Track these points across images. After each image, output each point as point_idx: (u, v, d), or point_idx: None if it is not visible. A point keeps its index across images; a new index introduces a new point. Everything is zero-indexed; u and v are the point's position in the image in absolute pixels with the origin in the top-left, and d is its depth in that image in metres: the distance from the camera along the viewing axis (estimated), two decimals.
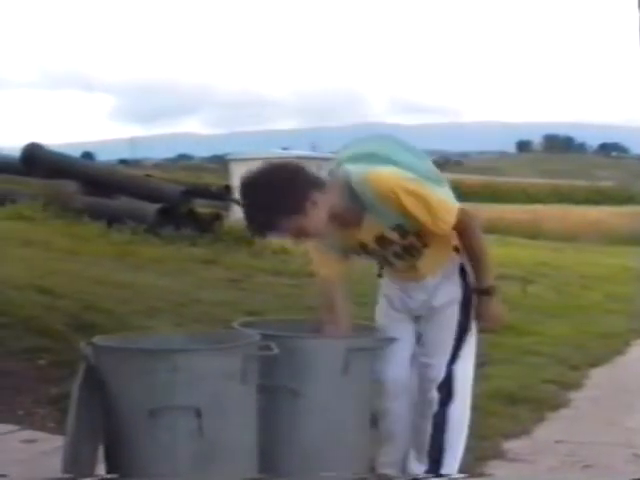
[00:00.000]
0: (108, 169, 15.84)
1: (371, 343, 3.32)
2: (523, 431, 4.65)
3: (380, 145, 3.30)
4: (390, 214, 3.14)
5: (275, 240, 11.87)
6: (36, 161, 12.57)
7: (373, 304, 3.55)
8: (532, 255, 14.99)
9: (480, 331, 3.43)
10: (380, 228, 3.20)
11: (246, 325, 3.32)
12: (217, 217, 12.42)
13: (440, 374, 3.34)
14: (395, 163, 3.22)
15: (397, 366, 3.40)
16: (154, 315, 6.44)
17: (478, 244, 3.27)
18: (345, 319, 3.39)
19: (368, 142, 3.36)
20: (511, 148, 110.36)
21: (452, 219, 3.16)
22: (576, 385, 5.82)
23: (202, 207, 13.20)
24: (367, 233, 3.22)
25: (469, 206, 3.43)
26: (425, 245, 3.27)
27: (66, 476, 2.93)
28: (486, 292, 3.29)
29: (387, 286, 3.49)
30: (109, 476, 3.01)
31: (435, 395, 3.34)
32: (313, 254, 3.43)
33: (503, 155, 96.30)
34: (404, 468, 3.42)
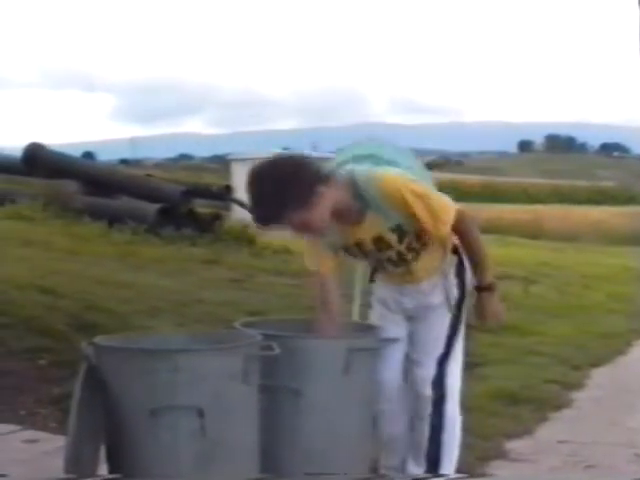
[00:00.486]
0: (109, 169, 15.84)
1: (372, 343, 3.31)
2: (525, 431, 4.65)
3: (378, 147, 3.34)
4: (392, 214, 3.16)
5: (276, 240, 11.88)
6: (37, 161, 12.56)
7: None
8: (533, 255, 14.98)
9: (480, 329, 3.44)
10: (379, 228, 3.21)
11: (247, 325, 3.32)
12: (218, 217, 12.41)
13: (430, 372, 3.35)
14: (397, 165, 3.25)
15: (391, 368, 3.40)
16: (155, 315, 6.44)
17: (476, 243, 3.29)
18: (338, 316, 3.39)
19: (365, 145, 3.39)
20: (512, 148, 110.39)
21: (451, 220, 3.18)
22: (578, 385, 5.82)
23: (203, 207, 13.20)
24: (366, 232, 3.23)
25: (469, 206, 3.45)
26: (423, 247, 3.29)
27: (68, 476, 2.93)
28: (486, 289, 3.30)
29: (380, 289, 3.50)
30: (111, 476, 3.00)
31: (429, 393, 3.34)
32: (309, 250, 3.41)
33: (504, 155, 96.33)
34: (404, 469, 3.42)
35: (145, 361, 2.91)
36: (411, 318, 3.43)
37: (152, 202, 11.65)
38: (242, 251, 10.98)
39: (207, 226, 11.83)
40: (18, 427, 4.31)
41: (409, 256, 3.29)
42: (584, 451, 4.34)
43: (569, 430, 4.75)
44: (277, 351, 3.00)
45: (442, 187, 3.58)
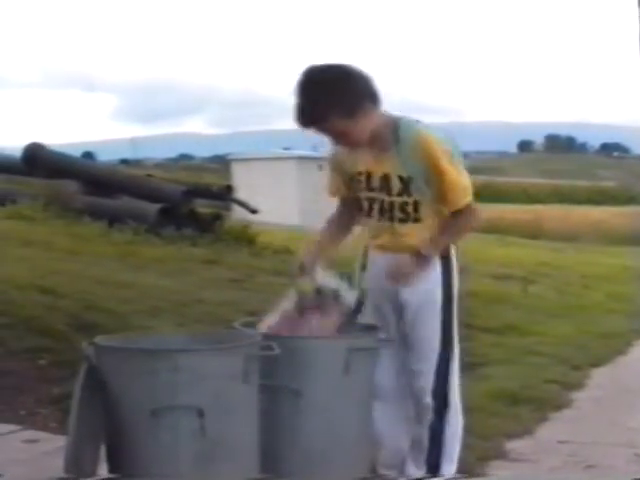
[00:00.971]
0: (109, 169, 15.84)
1: (372, 343, 3.31)
2: (525, 431, 4.64)
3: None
4: (411, 164, 3.20)
5: (277, 241, 11.89)
6: (37, 161, 12.56)
7: None
8: (533, 255, 15.00)
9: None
10: (392, 169, 3.25)
11: (247, 325, 3.32)
12: (218, 217, 12.41)
13: (429, 381, 3.33)
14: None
15: (382, 369, 3.39)
16: (155, 315, 6.44)
17: (459, 230, 3.33)
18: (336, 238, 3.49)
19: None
20: (512, 148, 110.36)
21: (460, 203, 3.23)
22: (578, 385, 5.82)
23: (203, 207, 13.20)
24: (380, 166, 3.27)
25: None
26: (414, 217, 3.28)
27: (68, 476, 2.93)
28: (419, 254, 3.28)
29: (370, 279, 3.46)
30: (111, 476, 3.00)
31: (429, 402, 3.33)
32: (329, 169, 3.50)
33: (504, 155, 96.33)
34: (403, 470, 3.43)
35: (145, 361, 2.92)
36: (402, 322, 3.39)
37: (152, 202, 11.64)
38: (242, 251, 10.98)
39: (207, 226, 11.83)
40: (18, 427, 4.31)
41: (397, 213, 3.29)
42: (584, 451, 4.34)
43: (569, 430, 4.75)
44: (277, 351, 3.00)
45: None
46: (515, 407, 5.04)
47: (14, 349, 5.28)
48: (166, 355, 2.93)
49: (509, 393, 5.25)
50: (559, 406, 5.24)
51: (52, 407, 4.53)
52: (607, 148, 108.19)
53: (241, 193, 15.36)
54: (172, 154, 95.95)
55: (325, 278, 3.37)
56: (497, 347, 6.76)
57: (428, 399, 3.33)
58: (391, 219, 3.32)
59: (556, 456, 4.27)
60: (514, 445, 4.38)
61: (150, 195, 11.96)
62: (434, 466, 3.36)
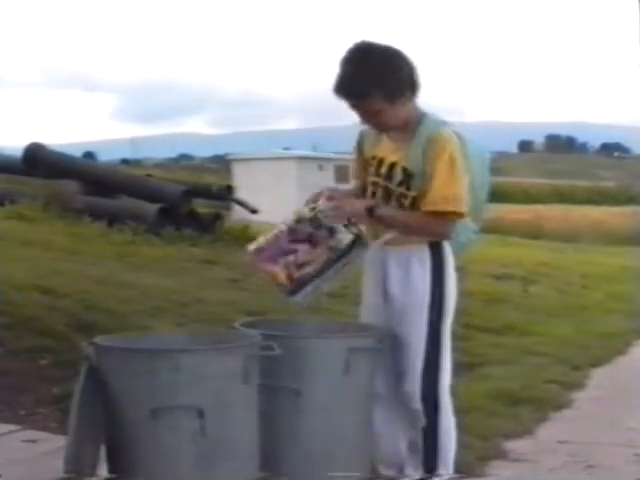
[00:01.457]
0: (109, 169, 15.84)
1: (372, 343, 3.31)
2: (525, 431, 4.64)
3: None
4: (418, 158, 3.21)
5: None
6: (37, 161, 12.56)
7: None
8: (533, 255, 15.00)
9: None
10: (400, 158, 3.26)
11: (247, 325, 3.32)
12: (218, 217, 12.41)
13: (415, 385, 3.29)
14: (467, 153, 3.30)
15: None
16: (155, 315, 6.44)
17: (416, 226, 3.27)
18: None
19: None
20: (513, 148, 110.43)
21: (434, 206, 3.19)
22: (578, 385, 5.81)
23: (203, 207, 13.20)
24: (393, 155, 3.28)
25: None
26: (412, 210, 3.28)
27: (68, 476, 2.93)
28: (369, 210, 3.26)
29: (366, 273, 3.47)
30: (111, 476, 3.00)
31: (419, 407, 3.30)
32: (354, 153, 3.51)
33: (504, 155, 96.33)
34: (403, 470, 3.42)
35: (145, 361, 2.91)
36: (390, 319, 3.36)
37: (152, 202, 11.65)
38: (242, 251, 10.97)
39: (207, 226, 11.83)
40: (18, 427, 4.30)
41: (393, 203, 3.29)
42: (584, 451, 4.34)
43: (569, 430, 4.75)
44: (277, 351, 3.00)
45: None
46: (515, 407, 5.04)
47: (14, 349, 5.27)
48: (166, 355, 2.93)
49: (509, 393, 5.24)
50: (559, 406, 5.24)
51: (52, 407, 4.53)
52: (607, 148, 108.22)
53: (241, 193, 15.37)
54: (172, 154, 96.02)
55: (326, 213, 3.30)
56: (497, 347, 6.76)
57: (417, 404, 3.29)
58: (386, 203, 3.31)
59: (556, 456, 4.26)
60: (514, 445, 4.38)
61: (150, 195, 11.96)
62: (431, 468, 3.34)
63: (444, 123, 3.29)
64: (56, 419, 4.34)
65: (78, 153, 23.88)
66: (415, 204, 3.27)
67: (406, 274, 3.30)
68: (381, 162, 3.33)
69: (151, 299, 7.00)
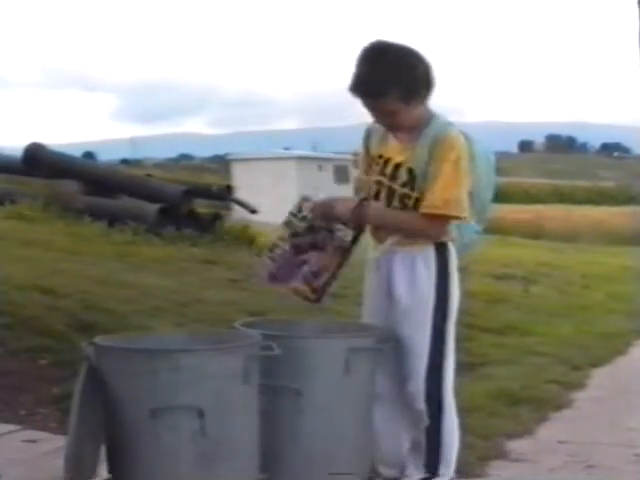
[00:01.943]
0: (109, 169, 15.83)
1: (372, 343, 3.31)
2: (525, 431, 4.64)
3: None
4: (423, 158, 3.20)
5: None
6: (37, 161, 12.55)
7: None
8: (534, 255, 15.00)
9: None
10: (405, 159, 3.25)
11: (248, 325, 3.31)
12: (218, 217, 12.41)
13: (420, 387, 3.28)
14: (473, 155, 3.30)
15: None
16: (155, 315, 6.44)
17: (407, 226, 3.28)
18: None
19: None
20: (513, 148, 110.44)
21: (431, 206, 3.18)
22: (578, 385, 5.82)
23: (203, 207, 13.20)
24: (399, 155, 3.27)
25: None
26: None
27: (68, 476, 2.92)
28: (359, 205, 3.28)
29: (368, 275, 3.47)
30: (111, 476, 3.00)
31: (423, 408, 3.30)
32: (361, 150, 3.50)
33: (505, 155, 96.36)
34: (404, 470, 3.42)
35: (145, 361, 2.91)
36: (393, 319, 3.36)
37: (152, 202, 11.64)
38: (242, 251, 10.98)
39: (207, 226, 11.82)
40: (18, 427, 4.30)
41: (396, 204, 3.29)
42: (584, 451, 4.34)
43: (569, 430, 4.75)
44: (277, 351, 3.00)
45: None
46: (515, 407, 5.04)
47: (14, 349, 5.27)
48: (166, 355, 2.93)
49: (509, 393, 5.25)
50: (559, 406, 5.24)
51: (52, 407, 4.53)
52: (607, 148, 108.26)
53: (241, 193, 15.36)
54: (172, 154, 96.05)
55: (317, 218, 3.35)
56: (497, 347, 6.76)
57: (421, 405, 3.29)
58: (389, 204, 3.31)
59: (556, 456, 4.26)
60: (514, 445, 4.38)
61: (150, 195, 11.95)
62: (433, 468, 3.34)
63: (450, 124, 3.28)
64: (56, 419, 4.34)
65: (78, 153, 23.89)
66: (418, 205, 3.27)
67: (411, 275, 3.30)
68: (387, 162, 3.32)
69: (151, 299, 7.00)
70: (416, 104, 3.22)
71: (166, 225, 11.20)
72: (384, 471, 3.47)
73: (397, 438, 3.42)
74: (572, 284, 11.39)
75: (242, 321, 3.37)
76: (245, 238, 11.76)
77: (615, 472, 4.07)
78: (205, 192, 13.28)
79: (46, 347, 5.32)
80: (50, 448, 3.86)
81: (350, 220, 3.31)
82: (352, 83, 3.21)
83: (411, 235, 3.29)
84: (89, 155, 48.63)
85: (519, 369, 6.04)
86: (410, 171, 3.25)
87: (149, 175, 14.90)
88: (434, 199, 3.19)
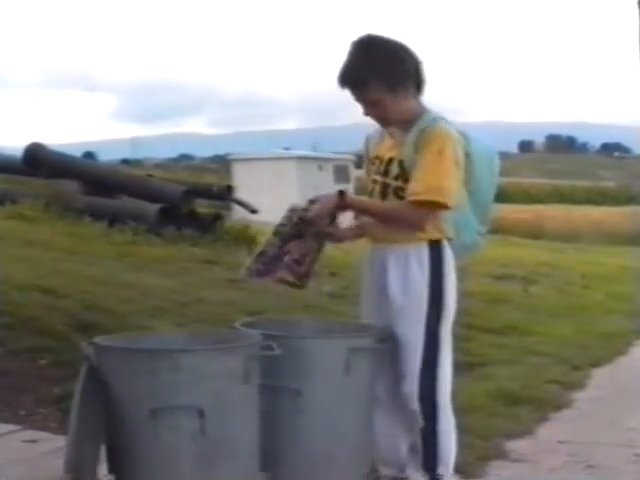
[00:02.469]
0: (110, 169, 15.82)
1: (372, 343, 3.31)
2: (525, 431, 4.65)
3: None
4: (413, 149, 3.21)
5: None
6: (38, 161, 12.56)
7: None
8: (534, 255, 15.00)
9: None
10: (397, 153, 3.27)
11: (248, 325, 3.32)
12: (218, 217, 12.41)
13: (413, 387, 3.27)
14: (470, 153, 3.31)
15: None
16: (156, 315, 6.44)
17: (395, 215, 3.29)
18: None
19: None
20: (513, 148, 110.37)
21: (416, 194, 3.18)
22: (578, 385, 5.82)
23: (203, 207, 13.20)
24: (392, 150, 3.30)
25: None
26: None
27: (68, 476, 2.92)
28: (342, 199, 3.29)
29: (364, 273, 3.47)
30: (111, 476, 3.00)
31: (417, 408, 3.29)
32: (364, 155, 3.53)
33: (505, 155, 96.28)
34: (403, 470, 3.42)
35: (146, 361, 2.91)
36: (387, 317, 3.36)
37: (153, 202, 11.64)
38: (242, 251, 10.98)
39: (208, 226, 11.83)
40: (18, 427, 4.31)
41: (391, 198, 3.30)
42: (584, 451, 4.34)
43: (569, 430, 4.75)
44: (277, 351, 3.00)
45: None
46: (515, 407, 5.04)
47: (14, 349, 5.28)
48: (166, 355, 2.93)
49: (509, 393, 5.25)
50: (559, 406, 5.24)
51: (52, 407, 4.53)
52: (607, 148, 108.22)
53: (241, 193, 15.35)
54: (172, 154, 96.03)
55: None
56: (497, 347, 6.76)
57: (415, 405, 3.28)
58: (383, 199, 3.33)
59: (556, 456, 4.27)
60: (514, 445, 4.38)
61: (150, 195, 11.96)
62: (431, 469, 3.33)
63: (443, 119, 3.28)
64: (56, 419, 4.35)
65: (78, 153, 23.86)
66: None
67: (405, 273, 3.28)
68: (382, 160, 3.34)
69: (151, 299, 7.00)
70: (404, 97, 3.23)
71: (166, 225, 11.20)
72: (384, 471, 3.47)
73: (396, 439, 3.42)
74: (572, 284, 11.39)
75: (242, 321, 3.38)
76: (245, 238, 11.76)
77: (615, 472, 4.07)
78: (205, 192, 13.28)
79: (46, 347, 5.32)
80: (50, 448, 3.86)
81: (334, 207, 3.32)
82: (338, 74, 3.26)
83: (400, 226, 3.28)
84: (89, 155, 48.62)
85: (519, 369, 6.04)
86: (401, 163, 3.26)
87: (149, 175, 14.90)
88: (416, 186, 3.20)
